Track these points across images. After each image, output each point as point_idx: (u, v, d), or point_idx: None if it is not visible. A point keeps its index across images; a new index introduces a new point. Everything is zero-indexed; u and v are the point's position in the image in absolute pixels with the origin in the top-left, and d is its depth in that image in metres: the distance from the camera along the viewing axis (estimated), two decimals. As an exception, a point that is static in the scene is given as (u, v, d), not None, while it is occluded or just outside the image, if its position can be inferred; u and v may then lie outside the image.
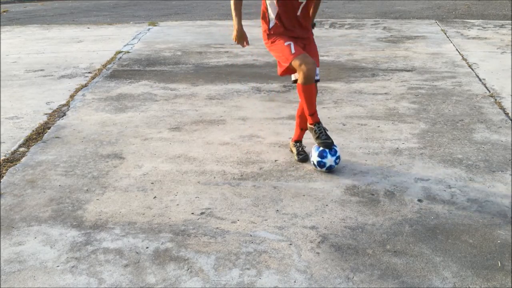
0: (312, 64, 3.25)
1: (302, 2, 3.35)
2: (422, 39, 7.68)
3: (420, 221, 2.88)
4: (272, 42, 3.42)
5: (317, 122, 3.41)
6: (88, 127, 4.36)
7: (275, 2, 3.33)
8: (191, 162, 3.66)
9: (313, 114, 3.42)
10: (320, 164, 3.42)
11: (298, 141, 3.75)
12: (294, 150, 3.71)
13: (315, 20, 3.68)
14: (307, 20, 3.46)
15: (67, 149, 3.92)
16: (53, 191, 3.28)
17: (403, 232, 2.77)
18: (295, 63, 3.24)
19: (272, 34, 3.42)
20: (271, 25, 3.42)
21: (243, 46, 3.53)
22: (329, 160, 3.39)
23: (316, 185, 3.30)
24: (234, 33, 3.47)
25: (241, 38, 3.47)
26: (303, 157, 3.62)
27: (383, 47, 7.19)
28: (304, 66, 3.21)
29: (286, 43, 3.31)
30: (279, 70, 3.45)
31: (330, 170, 3.44)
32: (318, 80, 3.40)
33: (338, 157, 3.43)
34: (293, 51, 3.26)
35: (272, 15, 3.39)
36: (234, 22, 3.47)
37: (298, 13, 3.37)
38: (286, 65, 3.31)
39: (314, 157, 3.43)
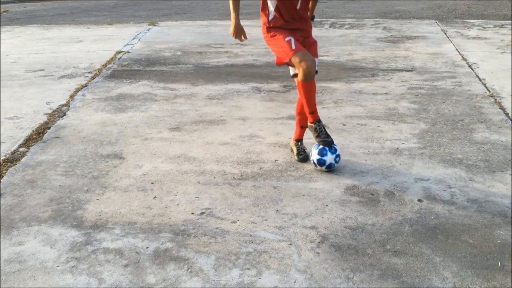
0: (311, 61, 3.24)
1: None
2: (422, 39, 7.68)
3: (420, 221, 2.88)
4: (271, 36, 3.39)
5: (317, 120, 3.43)
6: (88, 127, 4.36)
7: None
8: (191, 162, 3.66)
9: (313, 112, 3.42)
10: (320, 162, 3.41)
11: (299, 140, 3.73)
12: (295, 149, 3.71)
13: (314, 13, 3.68)
14: (306, 12, 3.45)
15: (67, 149, 3.92)
16: (53, 191, 3.28)
17: (403, 232, 2.77)
18: (295, 60, 3.24)
19: (271, 27, 3.40)
20: (270, 17, 3.39)
21: (241, 40, 3.51)
22: (329, 158, 3.38)
23: (316, 185, 3.30)
24: (232, 27, 3.46)
25: (238, 32, 3.46)
26: (303, 157, 3.61)
27: (383, 47, 7.19)
28: (304, 64, 3.20)
29: (286, 39, 3.29)
30: (276, 60, 3.43)
31: (330, 168, 3.43)
32: (317, 72, 3.36)
33: (338, 156, 3.42)
34: (293, 47, 3.25)
35: (271, 7, 3.37)
36: (231, 17, 3.45)
37: (298, 6, 3.35)
38: (286, 61, 3.31)
39: (314, 156, 3.42)
